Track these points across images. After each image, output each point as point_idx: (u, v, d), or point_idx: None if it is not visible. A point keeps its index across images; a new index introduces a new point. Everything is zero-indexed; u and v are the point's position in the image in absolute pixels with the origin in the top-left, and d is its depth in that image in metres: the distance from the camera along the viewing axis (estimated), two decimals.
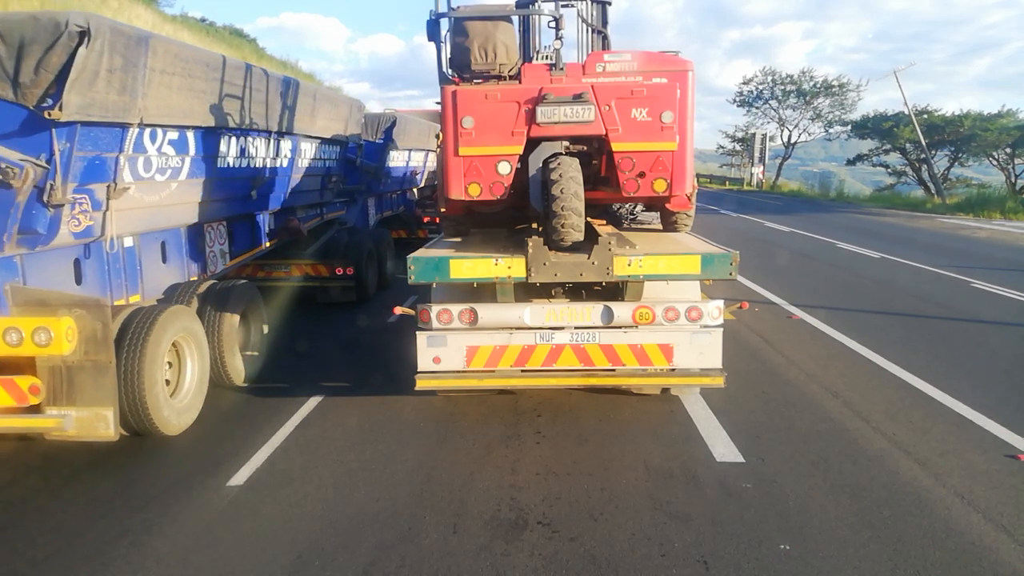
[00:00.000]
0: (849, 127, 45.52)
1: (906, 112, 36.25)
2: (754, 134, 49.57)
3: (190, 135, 6.20)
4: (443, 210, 6.27)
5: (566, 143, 5.40)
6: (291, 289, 9.95)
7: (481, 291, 5.48)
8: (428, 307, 5.41)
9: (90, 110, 4.80)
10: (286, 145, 8.27)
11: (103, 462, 5.22)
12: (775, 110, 52.10)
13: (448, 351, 5.44)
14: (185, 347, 5.87)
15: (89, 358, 4.86)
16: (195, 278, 6.95)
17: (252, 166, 7.56)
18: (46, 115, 4.57)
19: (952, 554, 3.92)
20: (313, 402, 6.30)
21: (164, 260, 6.50)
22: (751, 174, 49.72)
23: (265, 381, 7.00)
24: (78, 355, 4.82)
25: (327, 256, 9.94)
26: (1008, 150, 34.57)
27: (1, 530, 4.31)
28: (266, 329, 7.40)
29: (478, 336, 5.43)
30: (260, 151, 7.65)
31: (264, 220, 8.51)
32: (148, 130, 5.58)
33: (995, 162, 36.36)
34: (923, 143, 35.71)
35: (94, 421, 4.87)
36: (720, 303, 5.50)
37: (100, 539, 4.14)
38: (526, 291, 5.50)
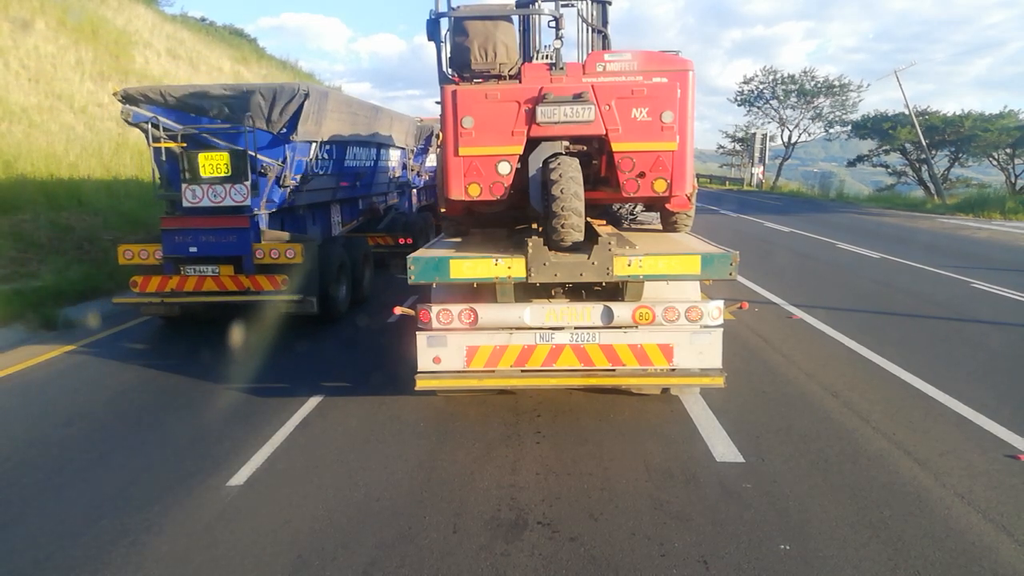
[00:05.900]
0: (849, 127, 45.49)
1: (906, 112, 36.25)
2: (754, 134, 49.47)
3: (333, 146, 9.83)
4: (443, 210, 6.27)
5: (566, 143, 5.39)
6: None
7: (481, 291, 5.47)
8: (428, 307, 5.41)
9: (305, 135, 8.49)
10: (374, 152, 11.82)
11: (103, 461, 5.23)
12: (776, 110, 52.10)
13: (448, 351, 5.44)
14: (341, 269, 9.61)
15: (305, 267, 8.34)
16: (328, 236, 10.60)
17: (358, 165, 11.20)
18: (292, 138, 8.33)
19: (952, 554, 3.92)
20: (313, 402, 6.31)
21: (313, 223, 10.34)
22: (751, 174, 49.64)
23: (265, 381, 7.00)
24: (301, 265, 8.26)
25: (392, 231, 13.12)
26: (1008, 150, 34.53)
27: (1, 530, 4.32)
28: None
29: (478, 336, 5.42)
30: (361, 155, 11.27)
31: (358, 203, 12.27)
32: (320, 144, 9.24)
33: (995, 162, 36.33)
34: (923, 143, 35.71)
35: (306, 304, 8.33)
36: (720, 303, 5.49)
37: (100, 539, 4.15)
38: (526, 291, 5.49)
